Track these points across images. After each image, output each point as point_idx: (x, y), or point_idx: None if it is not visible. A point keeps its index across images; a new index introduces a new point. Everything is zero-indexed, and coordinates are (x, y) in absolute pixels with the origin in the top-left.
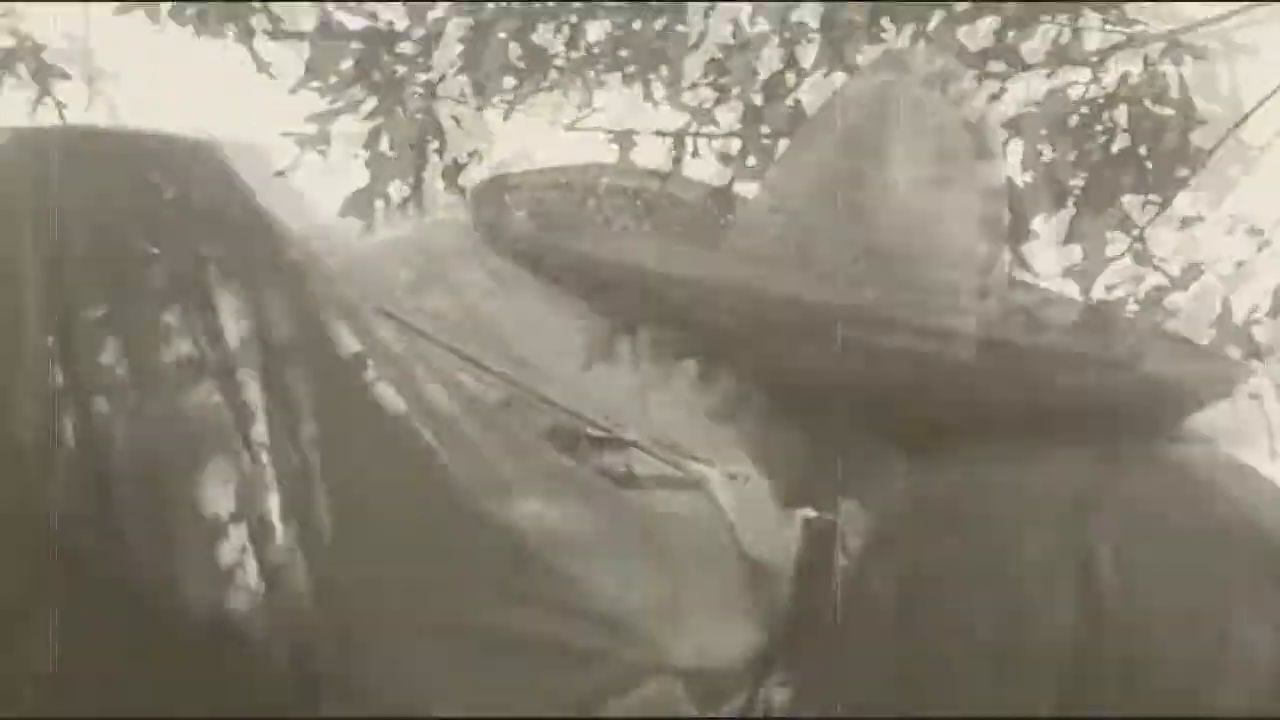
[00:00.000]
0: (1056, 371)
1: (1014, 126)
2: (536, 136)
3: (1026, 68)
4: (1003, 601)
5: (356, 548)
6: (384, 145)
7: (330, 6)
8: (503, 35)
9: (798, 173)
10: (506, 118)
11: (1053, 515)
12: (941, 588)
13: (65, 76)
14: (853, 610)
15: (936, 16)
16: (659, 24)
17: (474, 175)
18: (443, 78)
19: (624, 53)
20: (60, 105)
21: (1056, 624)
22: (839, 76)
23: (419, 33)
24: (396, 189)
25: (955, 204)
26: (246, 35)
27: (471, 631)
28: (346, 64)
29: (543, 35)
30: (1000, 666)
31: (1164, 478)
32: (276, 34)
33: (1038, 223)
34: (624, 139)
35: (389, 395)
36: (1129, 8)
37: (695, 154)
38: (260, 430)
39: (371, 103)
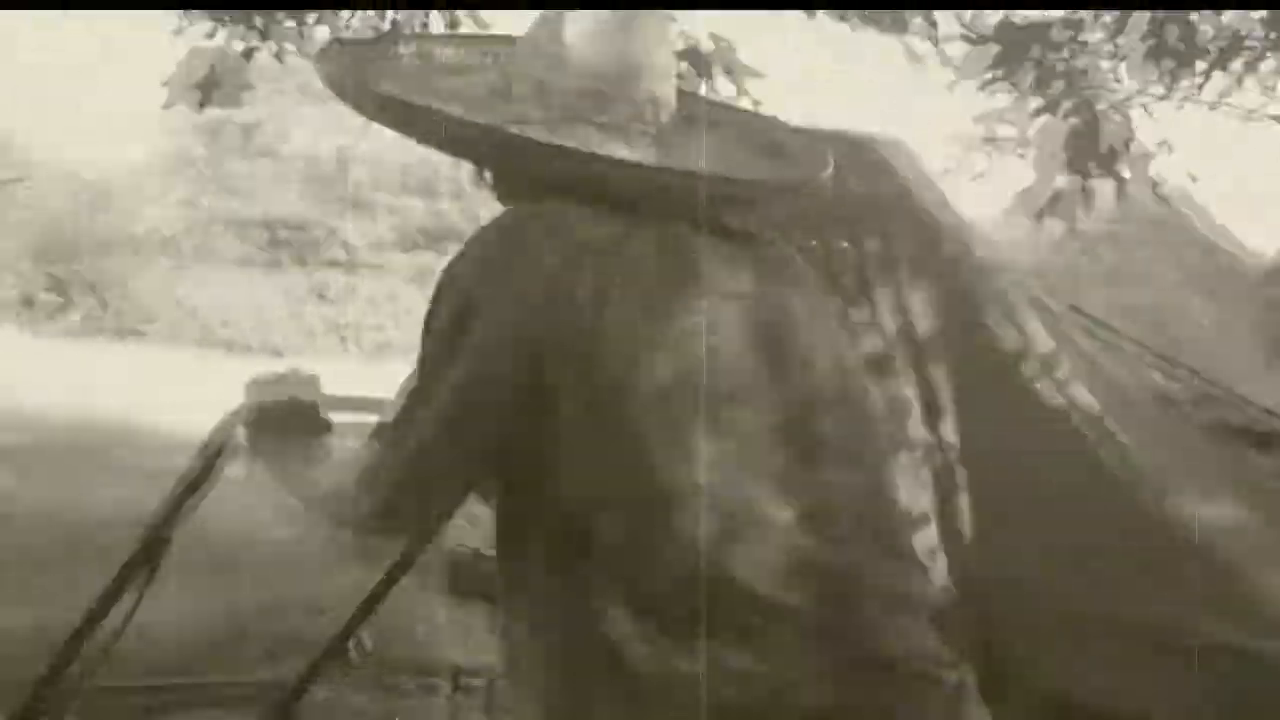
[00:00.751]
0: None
1: None
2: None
3: None
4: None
5: (1002, 544)
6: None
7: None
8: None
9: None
10: (1214, 108)
11: (585, 253)
12: (519, 308)
13: (758, 75)
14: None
15: None
16: None
17: (1159, 166)
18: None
19: None
20: (757, 102)
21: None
22: None
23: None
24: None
25: (636, 48)
26: (904, 30)
27: (1145, 631)
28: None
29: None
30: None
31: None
32: (930, 37)
33: None
34: None
35: (1048, 390)
36: None
37: None
38: (913, 424)
39: (1035, 101)
